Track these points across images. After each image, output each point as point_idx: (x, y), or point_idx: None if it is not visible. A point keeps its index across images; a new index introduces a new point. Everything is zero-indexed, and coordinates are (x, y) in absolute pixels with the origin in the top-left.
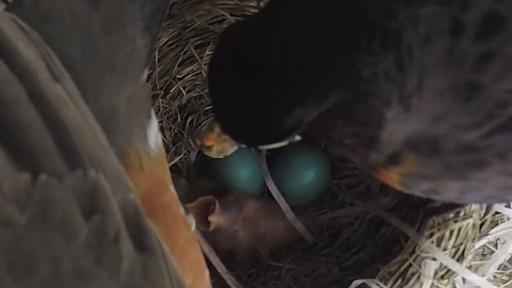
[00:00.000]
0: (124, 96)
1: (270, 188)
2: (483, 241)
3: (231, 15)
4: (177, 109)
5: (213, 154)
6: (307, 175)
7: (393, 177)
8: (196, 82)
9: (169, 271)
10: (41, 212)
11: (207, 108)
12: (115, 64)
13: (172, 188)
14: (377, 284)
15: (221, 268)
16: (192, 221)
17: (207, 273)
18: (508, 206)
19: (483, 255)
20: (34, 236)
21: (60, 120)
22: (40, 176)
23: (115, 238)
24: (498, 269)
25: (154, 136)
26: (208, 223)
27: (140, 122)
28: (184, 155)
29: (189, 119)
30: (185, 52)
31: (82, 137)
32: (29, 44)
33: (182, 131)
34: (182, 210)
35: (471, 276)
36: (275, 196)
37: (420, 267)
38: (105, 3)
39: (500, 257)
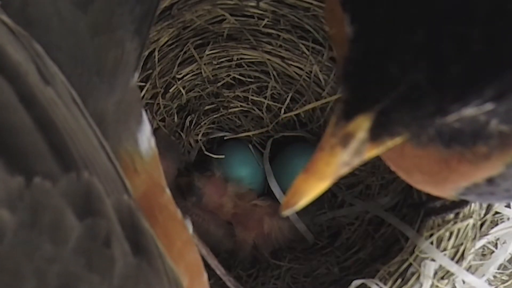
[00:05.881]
0: (113, 101)
1: (273, 188)
2: (483, 241)
3: (231, 15)
4: (177, 109)
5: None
6: None
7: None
8: (196, 82)
9: (167, 271)
10: (32, 217)
11: (207, 107)
12: (103, 68)
13: (168, 190)
14: (377, 284)
15: (220, 270)
16: (189, 224)
17: (205, 275)
18: (508, 206)
19: (483, 255)
20: (21, 246)
21: (52, 122)
22: (34, 179)
23: (107, 241)
24: (498, 269)
25: (145, 140)
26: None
27: (130, 127)
28: (183, 154)
29: (189, 118)
30: (185, 52)
31: (74, 139)
32: (19, 46)
33: (181, 131)
34: (179, 212)
35: (469, 278)
36: (277, 196)
37: (420, 267)
38: (94, 6)
39: (500, 257)
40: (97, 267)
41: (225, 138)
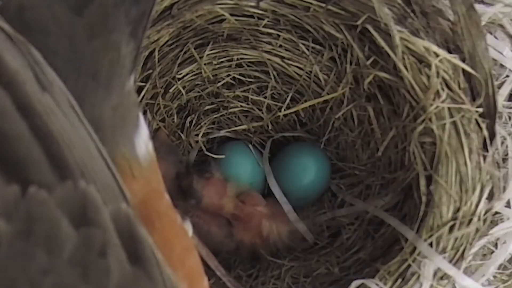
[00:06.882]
0: (109, 105)
1: (273, 189)
2: (483, 241)
3: (231, 15)
4: (177, 109)
5: None
6: (307, 175)
7: None
8: (196, 82)
9: (164, 280)
10: (27, 227)
11: (207, 107)
12: (99, 72)
13: (167, 195)
14: (377, 284)
15: (220, 271)
16: (189, 226)
17: (205, 279)
18: (508, 206)
19: (483, 255)
20: (17, 257)
21: (49, 131)
22: (30, 188)
23: (103, 251)
24: (498, 269)
25: (143, 144)
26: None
27: (127, 131)
28: (183, 154)
29: (189, 118)
30: (185, 52)
31: (71, 147)
32: (17, 53)
33: (181, 131)
34: (179, 217)
35: (467, 281)
36: (277, 196)
37: (419, 267)
38: (90, 9)
39: (500, 257)
40: (92, 278)
41: (225, 132)
